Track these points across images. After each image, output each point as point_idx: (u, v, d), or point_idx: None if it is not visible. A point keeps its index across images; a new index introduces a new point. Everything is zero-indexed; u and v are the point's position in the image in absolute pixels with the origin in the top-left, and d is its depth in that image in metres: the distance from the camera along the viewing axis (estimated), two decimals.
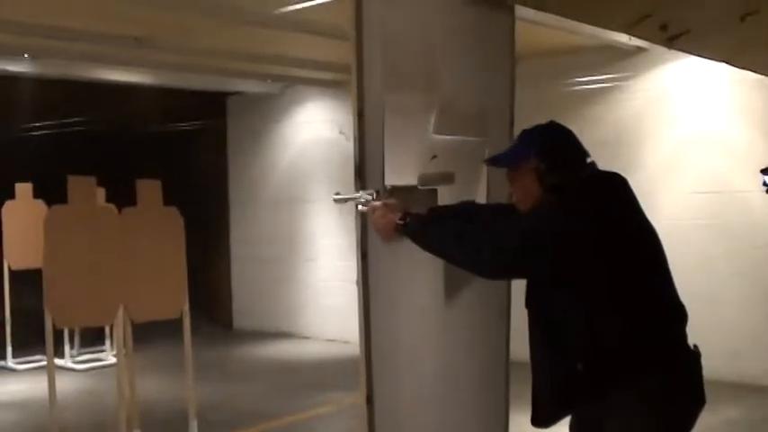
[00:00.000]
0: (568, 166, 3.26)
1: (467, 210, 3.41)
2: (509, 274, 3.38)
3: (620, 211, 3.22)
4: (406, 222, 3.19)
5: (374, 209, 3.22)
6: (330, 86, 11.58)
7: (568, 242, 3.04)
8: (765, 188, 4.21)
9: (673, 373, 3.13)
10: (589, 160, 3.31)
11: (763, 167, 4.24)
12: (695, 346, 3.25)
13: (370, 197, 3.20)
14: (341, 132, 11.21)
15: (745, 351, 8.44)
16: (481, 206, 3.60)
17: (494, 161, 3.48)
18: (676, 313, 3.25)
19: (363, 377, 3.15)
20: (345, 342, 10.80)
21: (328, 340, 11.76)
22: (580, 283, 3.09)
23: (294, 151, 12.63)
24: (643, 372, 3.09)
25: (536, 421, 3.29)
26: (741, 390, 7.88)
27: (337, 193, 3.41)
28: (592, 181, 3.27)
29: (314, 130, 12.29)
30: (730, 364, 8.21)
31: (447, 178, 3.50)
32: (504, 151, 3.44)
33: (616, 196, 3.26)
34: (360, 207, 3.24)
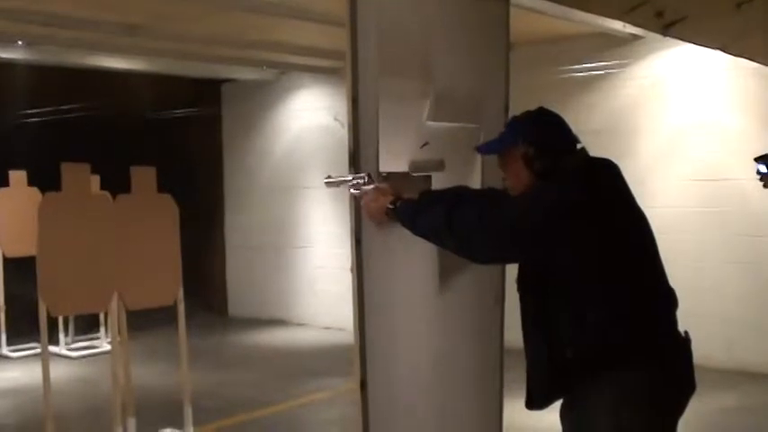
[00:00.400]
0: (556, 152, 3.26)
1: (458, 194, 3.39)
2: (496, 259, 3.41)
3: (607, 199, 3.21)
4: (396, 207, 3.20)
5: (365, 192, 3.22)
6: (325, 73, 11.56)
7: (548, 231, 3.06)
8: (759, 176, 4.21)
9: (660, 358, 3.15)
10: (579, 146, 3.31)
11: (756, 156, 4.23)
12: (686, 333, 3.27)
13: (361, 180, 3.20)
14: (336, 119, 11.20)
15: (739, 339, 8.46)
16: (473, 191, 3.59)
17: (484, 148, 3.50)
18: (665, 300, 3.27)
19: (357, 363, 3.16)
20: (340, 329, 10.82)
21: (323, 327, 11.77)
22: (567, 271, 3.12)
23: (289, 138, 12.62)
24: (630, 358, 3.11)
25: (530, 404, 3.32)
26: (735, 377, 7.91)
27: (328, 177, 3.41)
28: (579, 167, 3.27)
29: (309, 117, 12.27)
30: (724, 351, 8.24)
31: (438, 165, 3.50)
32: (493, 138, 3.43)
33: (603, 183, 3.26)
34: (351, 191, 3.23)
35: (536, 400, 3.31)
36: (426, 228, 3.20)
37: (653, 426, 3.18)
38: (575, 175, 3.22)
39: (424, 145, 3.45)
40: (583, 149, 3.31)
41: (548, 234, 3.06)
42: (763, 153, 4.27)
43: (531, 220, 3.08)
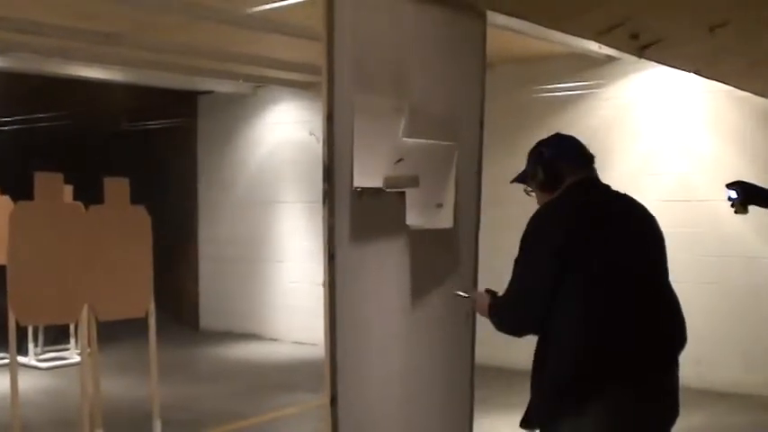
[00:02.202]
0: (559, 174, 3.49)
1: None
2: (535, 325, 3.43)
3: (589, 229, 3.33)
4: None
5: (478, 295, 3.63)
6: (301, 88, 11.57)
7: (542, 287, 3.27)
8: (730, 202, 4.24)
9: (635, 388, 3.20)
10: (581, 174, 3.50)
11: (728, 182, 4.26)
12: (672, 360, 3.35)
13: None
14: (311, 134, 11.19)
15: (709, 358, 8.50)
16: None
17: (517, 179, 3.70)
18: (648, 333, 3.32)
19: (328, 378, 3.15)
20: (313, 344, 10.78)
21: (295, 342, 11.74)
22: (558, 301, 3.24)
23: (264, 152, 12.61)
24: (604, 388, 3.20)
25: (522, 424, 3.43)
26: (703, 396, 7.93)
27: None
28: (569, 198, 3.44)
29: (285, 131, 12.27)
30: (694, 370, 8.27)
31: (412, 182, 3.50)
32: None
33: (588, 215, 3.40)
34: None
35: (529, 421, 3.43)
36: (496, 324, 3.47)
37: None
38: (560, 208, 3.42)
39: (399, 161, 3.45)
40: (588, 174, 3.51)
41: (543, 290, 3.27)
42: (734, 180, 4.29)
43: (525, 290, 3.36)
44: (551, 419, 3.32)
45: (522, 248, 3.38)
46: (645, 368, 3.26)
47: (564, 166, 3.49)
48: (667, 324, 3.40)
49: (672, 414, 3.40)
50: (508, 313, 3.43)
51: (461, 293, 3.72)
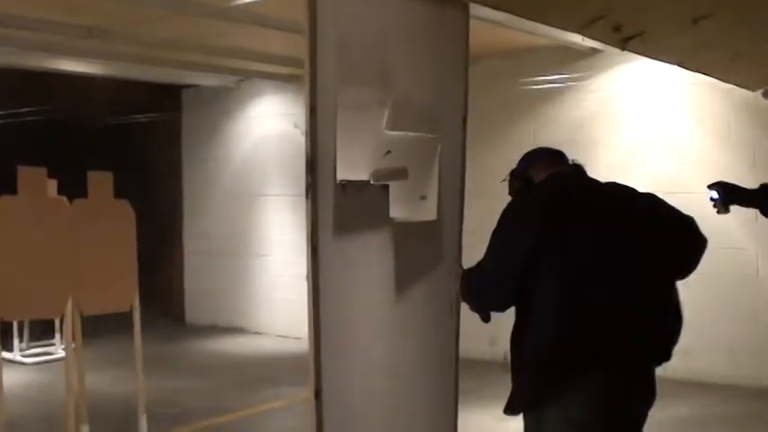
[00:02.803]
0: (529, 180, 3.71)
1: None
2: (501, 303, 3.56)
3: (563, 215, 3.44)
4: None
5: None
6: (286, 81, 11.55)
7: (515, 261, 3.40)
8: (712, 203, 4.26)
9: (614, 366, 3.24)
10: (555, 168, 3.68)
11: (709, 183, 4.29)
12: (652, 345, 3.41)
13: None
14: (296, 127, 11.17)
15: (695, 349, 8.53)
16: None
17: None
18: (623, 314, 3.36)
19: (312, 371, 3.15)
20: (297, 338, 10.79)
21: (280, 336, 11.74)
22: (534, 286, 3.34)
23: (249, 145, 12.59)
24: (581, 366, 3.28)
25: (506, 409, 3.52)
26: (690, 387, 7.97)
27: None
28: (543, 188, 3.63)
29: (269, 124, 12.26)
30: (682, 361, 8.27)
31: (400, 174, 3.50)
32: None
33: (563, 202, 3.51)
34: None
35: (511, 407, 3.52)
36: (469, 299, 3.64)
37: (601, 423, 3.26)
38: (535, 191, 3.63)
39: (387, 153, 3.45)
40: (561, 169, 3.67)
41: (516, 265, 3.38)
42: (716, 181, 4.32)
43: (499, 261, 3.47)
44: (533, 403, 3.37)
45: (495, 231, 3.52)
46: (626, 353, 3.30)
47: (533, 171, 3.71)
48: (650, 312, 3.43)
49: (651, 396, 3.44)
50: (477, 288, 3.58)
51: None
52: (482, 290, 3.56)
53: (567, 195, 3.55)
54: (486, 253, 3.53)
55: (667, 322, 3.50)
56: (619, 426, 3.35)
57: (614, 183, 3.73)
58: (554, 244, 3.30)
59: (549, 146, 3.91)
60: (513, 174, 3.79)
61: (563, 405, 3.27)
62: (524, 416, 3.49)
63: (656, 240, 3.53)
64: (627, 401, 3.33)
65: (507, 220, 3.50)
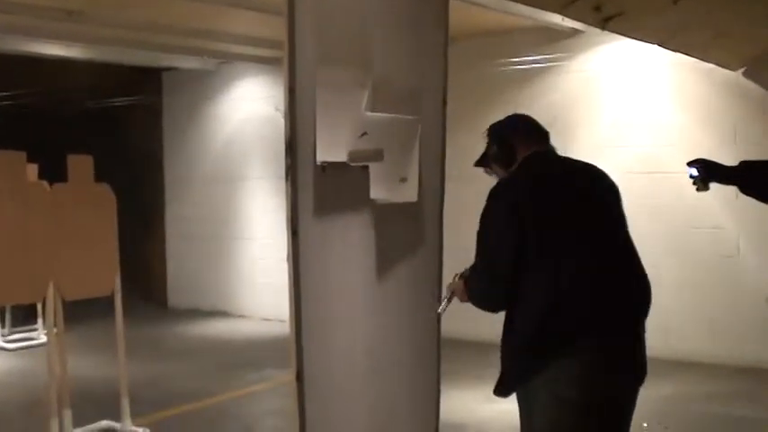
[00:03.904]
0: (512, 147, 3.63)
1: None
2: (503, 298, 3.49)
3: (542, 197, 3.44)
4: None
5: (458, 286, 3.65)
6: (266, 63, 11.51)
7: (504, 255, 3.36)
8: (692, 180, 4.27)
9: (598, 344, 3.26)
10: (534, 148, 3.62)
11: (688, 160, 4.29)
12: (635, 322, 3.43)
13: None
14: (277, 110, 11.14)
15: (675, 328, 8.58)
16: None
17: (478, 163, 3.81)
18: (620, 290, 3.41)
19: (293, 353, 3.15)
20: (280, 320, 10.78)
21: (263, 319, 11.74)
22: (521, 267, 3.33)
23: (230, 128, 12.55)
24: (568, 345, 3.28)
25: (496, 390, 3.49)
26: (671, 366, 8.01)
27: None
28: (524, 171, 3.57)
29: (250, 107, 12.22)
30: (662, 340, 8.34)
31: (377, 155, 3.50)
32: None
33: (543, 183, 3.50)
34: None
35: (501, 388, 3.50)
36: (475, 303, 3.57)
37: (589, 398, 3.26)
38: (515, 173, 3.57)
39: (363, 135, 3.44)
40: (542, 148, 3.64)
41: (505, 258, 3.35)
42: (695, 158, 4.32)
43: (489, 264, 3.44)
44: (523, 380, 3.37)
45: (481, 224, 3.47)
46: (612, 326, 3.32)
47: (517, 141, 3.63)
48: (630, 282, 3.47)
49: (641, 372, 3.45)
50: (478, 291, 3.51)
51: (443, 303, 3.80)
52: (483, 294, 3.52)
53: (558, 177, 3.56)
54: (476, 257, 3.51)
55: (643, 286, 3.52)
56: (607, 400, 3.35)
57: (582, 161, 3.73)
58: (536, 237, 3.29)
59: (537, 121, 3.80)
60: (492, 133, 3.73)
61: (551, 382, 3.28)
62: (516, 395, 3.49)
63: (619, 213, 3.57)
64: (613, 372, 3.33)
65: (490, 222, 3.46)
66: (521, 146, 3.62)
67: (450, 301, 3.73)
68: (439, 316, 3.92)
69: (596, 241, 3.41)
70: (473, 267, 3.55)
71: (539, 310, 3.28)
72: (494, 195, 3.48)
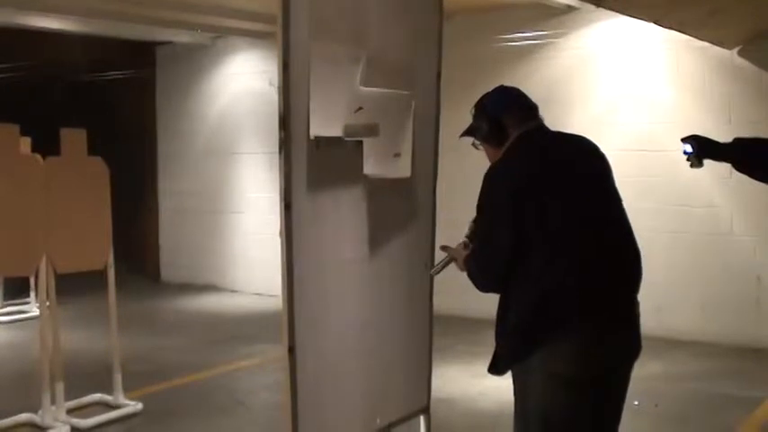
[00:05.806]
0: (504, 124, 3.50)
1: None
2: (502, 276, 3.45)
3: (541, 174, 3.38)
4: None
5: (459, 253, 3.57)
6: (260, 37, 11.45)
7: (504, 237, 3.30)
8: (686, 156, 4.25)
9: (594, 324, 3.26)
10: (525, 124, 3.51)
11: (682, 137, 4.28)
12: (632, 299, 3.43)
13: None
14: (271, 84, 11.12)
15: (668, 306, 8.60)
16: None
17: (465, 133, 3.65)
18: (604, 271, 3.37)
19: (285, 328, 3.16)
20: (273, 295, 10.77)
21: (256, 293, 11.74)
22: (519, 246, 3.29)
23: (224, 103, 12.51)
24: (565, 325, 3.26)
25: (490, 369, 3.45)
26: (663, 344, 8.02)
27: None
28: (519, 150, 3.47)
29: (244, 81, 12.18)
30: (654, 318, 8.35)
31: (372, 130, 3.49)
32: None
33: (542, 159, 3.44)
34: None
35: (496, 366, 3.46)
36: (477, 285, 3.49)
37: (585, 375, 3.29)
38: (512, 155, 3.46)
39: (358, 110, 3.44)
40: (533, 124, 3.53)
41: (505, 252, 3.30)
42: (689, 135, 4.31)
43: (488, 247, 3.37)
44: (519, 358, 3.36)
45: (480, 208, 3.42)
46: (608, 303, 3.32)
47: (507, 118, 3.51)
48: (628, 260, 3.46)
49: (636, 346, 3.45)
50: (479, 274, 3.46)
51: (438, 265, 3.73)
52: (482, 276, 3.46)
53: (554, 155, 3.49)
54: (476, 243, 3.48)
55: (638, 263, 3.52)
56: (602, 376, 3.35)
57: (575, 135, 3.68)
58: (536, 222, 3.25)
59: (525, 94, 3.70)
60: (480, 110, 3.58)
61: (547, 360, 3.27)
62: (512, 373, 3.48)
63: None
64: (608, 349, 3.31)
65: (489, 208, 3.41)
66: (511, 123, 3.51)
67: (446, 265, 3.66)
68: (431, 278, 3.91)
69: (596, 223, 3.37)
70: (472, 251, 3.51)
71: (537, 291, 3.26)
72: (492, 179, 3.40)
